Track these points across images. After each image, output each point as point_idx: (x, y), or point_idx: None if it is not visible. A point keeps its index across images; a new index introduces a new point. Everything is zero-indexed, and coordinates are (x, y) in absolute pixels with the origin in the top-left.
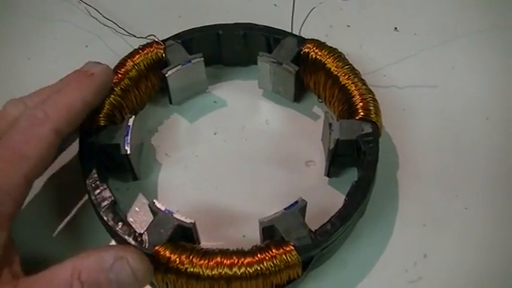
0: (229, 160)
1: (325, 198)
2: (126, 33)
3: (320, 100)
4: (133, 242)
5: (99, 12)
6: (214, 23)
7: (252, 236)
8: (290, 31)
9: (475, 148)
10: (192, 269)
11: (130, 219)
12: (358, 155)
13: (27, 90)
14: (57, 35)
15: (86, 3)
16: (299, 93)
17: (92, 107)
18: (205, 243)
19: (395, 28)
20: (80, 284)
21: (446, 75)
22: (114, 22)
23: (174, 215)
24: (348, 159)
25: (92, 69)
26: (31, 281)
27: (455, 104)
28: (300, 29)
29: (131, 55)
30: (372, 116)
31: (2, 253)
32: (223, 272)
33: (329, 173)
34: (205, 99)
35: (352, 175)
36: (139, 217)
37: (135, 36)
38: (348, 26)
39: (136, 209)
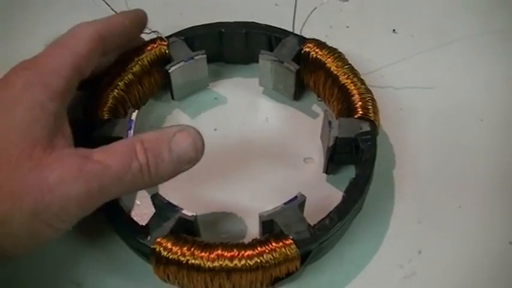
0: (229, 156)
1: (323, 195)
2: None
3: (319, 99)
4: (135, 235)
5: (109, 5)
6: (216, 21)
7: (252, 230)
8: (291, 30)
9: (469, 148)
10: (193, 261)
11: (132, 213)
12: (356, 152)
13: None
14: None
15: None
16: (299, 92)
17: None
18: (206, 236)
19: (394, 30)
20: (143, 149)
21: (443, 77)
22: None
23: (176, 208)
24: (346, 157)
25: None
26: (93, 150)
27: (451, 105)
28: (301, 28)
29: (135, 51)
30: (370, 114)
31: (53, 122)
32: (223, 264)
33: (327, 170)
34: (206, 96)
35: (349, 172)
36: (140, 210)
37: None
38: (347, 27)
39: (138, 202)
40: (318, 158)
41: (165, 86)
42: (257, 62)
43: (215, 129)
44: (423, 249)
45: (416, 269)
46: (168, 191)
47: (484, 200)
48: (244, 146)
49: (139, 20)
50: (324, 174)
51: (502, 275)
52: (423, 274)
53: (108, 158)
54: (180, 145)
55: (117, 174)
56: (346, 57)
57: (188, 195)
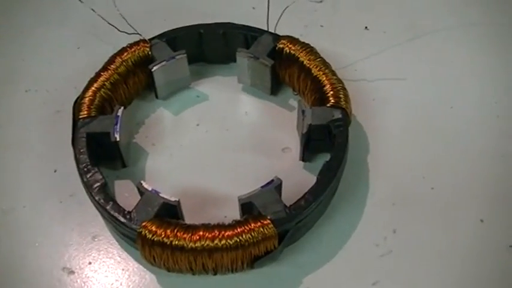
0: (211, 148)
1: (300, 181)
2: (118, 31)
3: (295, 93)
4: (122, 219)
5: (95, 12)
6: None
7: (233, 216)
8: (266, 29)
9: (439, 134)
10: (176, 242)
11: (120, 204)
12: (329, 139)
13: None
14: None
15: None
16: (276, 87)
17: None
18: (190, 221)
19: (366, 27)
20: None
21: (414, 69)
22: (107, 21)
23: (160, 194)
24: (320, 144)
25: None
26: None
27: (421, 94)
28: (275, 27)
29: (120, 52)
30: (342, 103)
31: None
32: (205, 244)
33: (303, 158)
34: (188, 94)
35: (325, 160)
36: (128, 202)
37: (126, 33)
38: (322, 26)
39: (126, 194)
40: (295, 148)
41: (149, 86)
42: (236, 61)
43: (197, 124)
44: (398, 228)
45: (392, 248)
46: (154, 182)
47: (455, 181)
48: (225, 139)
49: None
50: (301, 162)
51: (474, 251)
52: (399, 252)
53: None
54: None
55: None
56: (320, 53)
57: (173, 186)
